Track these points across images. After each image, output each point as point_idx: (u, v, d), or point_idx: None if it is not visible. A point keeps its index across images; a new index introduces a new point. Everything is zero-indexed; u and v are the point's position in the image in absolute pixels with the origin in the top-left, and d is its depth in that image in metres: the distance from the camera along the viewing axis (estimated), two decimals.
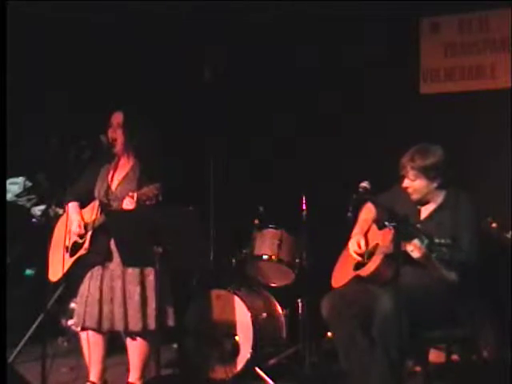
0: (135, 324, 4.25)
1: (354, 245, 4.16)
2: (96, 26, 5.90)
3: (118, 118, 4.42)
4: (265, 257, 5.00)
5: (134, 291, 4.27)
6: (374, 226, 4.21)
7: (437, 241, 3.64)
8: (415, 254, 3.79)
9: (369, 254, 4.10)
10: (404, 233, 3.71)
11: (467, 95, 5.59)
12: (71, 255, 4.38)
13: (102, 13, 5.79)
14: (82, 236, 4.38)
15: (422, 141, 4.08)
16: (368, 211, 4.30)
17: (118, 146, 4.42)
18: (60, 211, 4.67)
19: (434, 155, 3.96)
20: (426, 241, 3.71)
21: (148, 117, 4.59)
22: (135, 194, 4.09)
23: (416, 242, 3.76)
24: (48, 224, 4.58)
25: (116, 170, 4.46)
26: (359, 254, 4.13)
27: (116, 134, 4.40)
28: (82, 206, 4.49)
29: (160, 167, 4.32)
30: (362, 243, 4.15)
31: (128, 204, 4.17)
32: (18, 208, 5.63)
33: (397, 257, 3.67)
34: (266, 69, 6.00)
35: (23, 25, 5.50)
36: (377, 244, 4.07)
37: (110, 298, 4.29)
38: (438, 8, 5.61)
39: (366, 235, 4.21)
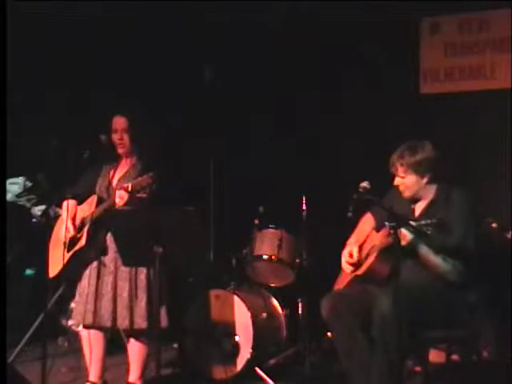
0: (122, 321, 4.26)
1: (346, 256, 4.15)
2: (96, 26, 5.90)
3: (121, 123, 4.42)
4: (265, 257, 5.00)
5: (124, 288, 4.28)
6: (373, 232, 4.20)
7: (422, 222, 3.67)
8: (402, 242, 3.78)
9: (366, 255, 4.09)
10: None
11: (467, 95, 5.59)
12: (68, 250, 4.38)
13: (102, 13, 5.79)
14: (78, 230, 4.39)
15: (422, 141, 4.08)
16: (367, 221, 4.28)
17: (124, 150, 4.43)
18: (60, 211, 4.67)
19: (423, 151, 3.97)
20: (411, 228, 3.73)
21: (150, 118, 4.60)
22: (129, 185, 4.09)
23: (402, 230, 3.77)
24: (48, 224, 4.59)
25: (118, 169, 4.48)
26: (351, 264, 4.13)
27: (122, 140, 4.41)
28: (81, 202, 4.49)
29: (161, 164, 4.33)
30: (355, 253, 4.13)
31: (120, 197, 4.17)
32: (18, 208, 5.63)
33: (394, 255, 3.67)
34: (266, 69, 6.00)
35: (23, 25, 5.50)
36: (374, 245, 4.07)
37: (103, 294, 4.30)
38: (438, 8, 5.61)
39: (362, 245, 4.20)
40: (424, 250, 3.85)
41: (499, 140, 5.31)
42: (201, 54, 5.94)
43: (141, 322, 4.25)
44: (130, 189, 4.10)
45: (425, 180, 4.00)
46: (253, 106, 5.96)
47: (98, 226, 4.29)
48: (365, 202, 4.15)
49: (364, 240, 4.20)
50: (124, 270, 4.28)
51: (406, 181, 4.00)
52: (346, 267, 4.15)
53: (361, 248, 4.17)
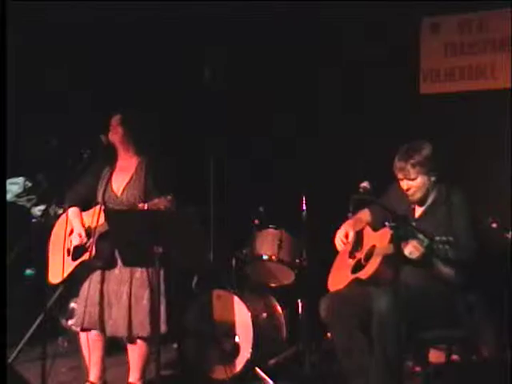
0: (143, 329, 4.23)
1: (342, 235, 4.15)
2: (96, 26, 5.90)
3: (116, 119, 4.42)
4: (265, 257, 5.00)
5: (142, 296, 4.25)
6: (369, 229, 4.20)
7: (437, 238, 3.62)
8: (414, 255, 3.78)
9: (366, 257, 4.09)
10: (402, 233, 3.71)
11: (467, 95, 5.59)
12: (73, 259, 4.35)
13: (102, 13, 5.79)
14: (85, 242, 4.36)
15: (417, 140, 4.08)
16: (364, 213, 4.29)
17: (118, 144, 4.41)
18: (60, 211, 4.66)
19: (426, 148, 3.97)
20: (426, 241, 3.70)
21: (147, 114, 4.59)
22: (145, 205, 4.07)
23: (414, 242, 3.76)
24: (48, 224, 4.58)
25: (117, 171, 4.43)
26: (344, 244, 4.13)
27: (116, 133, 4.39)
28: (83, 209, 4.46)
29: (164, 166, 4.31)
30: (351, 235, 4.13)
31: None
32: (18, 208, 5.63)
33: (396, 258, 3.67)
34: (266, 69, 6.00)
35: (23, 25, 5.50)
36: (373, 246, 4.06)
37: (115, 302, 4.27)
38: (438, 8, 5.61)
39: (361, 237, 4.19)
40: (435, 262, 3.85)
41: (499, 140, 5.31)
42: (201, 54, 5.93)
43: (163, 327, 4.24)
44: (146, 209, 4.06)
45: (433, 179, 3.99)
46: (253, 105, 5.96)
47: (105, 238, 4.22)
48: (365, 202, 4.16)
49: (361, 230, 4.19)
50: (139, 278, 4.25)
51: (418, 181, 3.97)
52: (339, 245, 4.16)
53: (359, 241, 4.16)
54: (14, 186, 5.66)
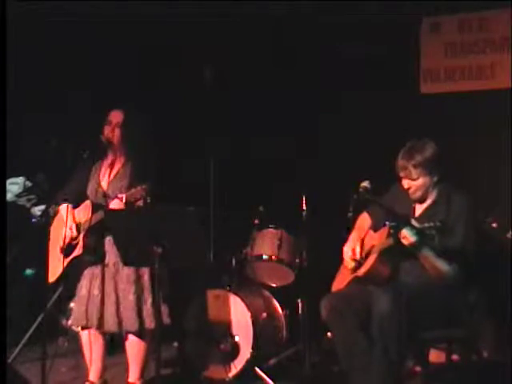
0: (131, 324, 4.25)
1: (349, 252, 4.15)
2: (96, 26, 5.90)
3: (117, 117, 4.40)
4: (265, 257, 5.00)
5: (129, 291, 4.26)
6: (371, 231, 4.20)
7: (426, 225, 3.66)
8: (405, 242, 3.79)
9: (365, 256, 4.09)
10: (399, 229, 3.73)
11: (467, 95, 5.59)
12: (66, 256, 4.37)
13: (102, 13, 5.79)
14: (75, 237, 4.37)
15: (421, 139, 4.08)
16: (364, 219, 4.29)
17: (114, 145, 4.40)
18: (57, 209, 4.67)
19: (429, 148, 3.97)
20: (413, 229, 3.72)
21: (146, 118, 4.58)
22: (124, 196, 4.08)
23: (404, 231, 3.77)
24: (48, 224, 4.59)
25: (108, 168, 4.42)
26: (354, 260, 4.12)
27: (113, 133, 4.37)
28: (75, 205, 4.46)
29: (151, 168, 4.30)
30: (358, 249, 4.13)
31: (116, 205, 4.16)
32: (18, 208, 5.63)
33: (395, 256, 3.66)
34: (266, 69, 6.00)
35: (23, 24, 5.50)
36: (373, 245, 4.07)
37: (105, 298, 4.28)
38: (438, 8, 5.62)
39: (361, 241, 4.20)
40: (425, 252, 3.84)
41: (499, 140, 5.31)
42: (201, 54, 5.93)
43: (149, 323, 4.24)
44: (124, 200, 4.07)
45: (434, 179, 3.99)
46: (253, 105, 5.95)
47: (94, 232, 4.26)
48: (365, 201, 4.16)
49: (364, 237, 4.20)
50: (126, 273, 4.26)
51: (419, 182, 3.97)
52: (349, 263, 4.14)
53: (361, 245, 4.16)
54: (14, 186, 5.66)
